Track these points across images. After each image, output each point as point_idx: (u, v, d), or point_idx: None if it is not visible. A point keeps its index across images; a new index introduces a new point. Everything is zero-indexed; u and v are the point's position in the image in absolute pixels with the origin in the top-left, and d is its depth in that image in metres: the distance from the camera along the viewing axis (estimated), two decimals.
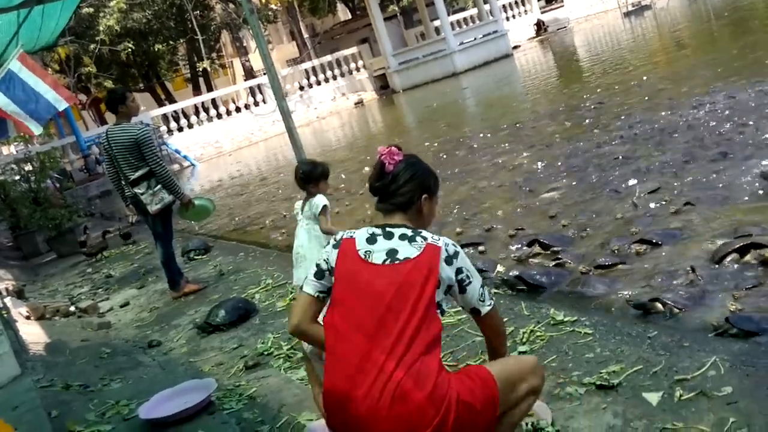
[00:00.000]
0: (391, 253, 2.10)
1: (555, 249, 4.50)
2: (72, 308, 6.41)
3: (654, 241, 4.13)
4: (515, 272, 4.18)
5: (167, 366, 4.41)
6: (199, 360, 4.37)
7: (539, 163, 7.26)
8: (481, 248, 5.03)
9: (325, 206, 3.76)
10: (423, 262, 2.07)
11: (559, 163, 6.98)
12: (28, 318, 6.04)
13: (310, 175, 3.74)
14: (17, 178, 10.78)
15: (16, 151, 25.38)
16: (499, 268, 4.48)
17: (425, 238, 2.12)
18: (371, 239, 2.17)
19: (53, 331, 5.58)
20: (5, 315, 5.56)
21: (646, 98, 8.90)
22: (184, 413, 3.07)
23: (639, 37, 18.72)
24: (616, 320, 3.26)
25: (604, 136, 7.50)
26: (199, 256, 7.35)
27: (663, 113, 7.63)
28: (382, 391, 1.97)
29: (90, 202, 16.48)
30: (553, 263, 4.32)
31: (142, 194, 5.63)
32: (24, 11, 7.17)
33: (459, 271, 2.11)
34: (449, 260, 2.10)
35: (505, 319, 3.55)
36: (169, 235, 5.99)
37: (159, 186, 5.64)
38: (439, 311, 2.08)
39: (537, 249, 4.60)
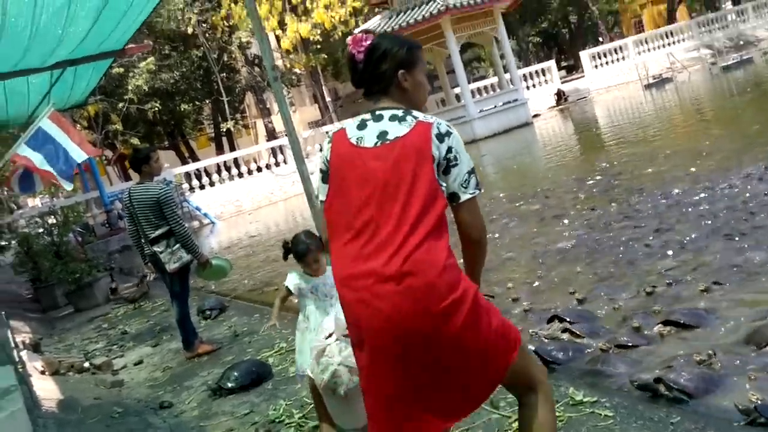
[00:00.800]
0: (382, 134, 2.05)
1: (573, 324, 4.43)
2: (86, 364, 6.40)
3: (681, 321, 4.01)
4: (531, 347, 4.12)
5: (177, 429, 4.37)
6: (210, 425, 4.31)
7: (557, 235, 7.24)
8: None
9: (287, 287, 3.68)
10: (414, 138, 2.01)
11: (578, 236, 6.95)
12: (42, 373, 6.04)
13: (288, 252, 3.65)
14: (41, 231, 10.95)
15: (41, 203, 25.89)
16: None
17: (416, 117, 2.07)
18: (361, 125, 2.12)
19: (66, 388, 5.57)
20: (21, 370, 5.57)
21: (666, 172, 8.90)
22: None
23: (660, 110, 18.83)
24: (638, 403, 3.16)
25: (624, 209, 7.48)
26: (214, 317, 7.34)
27: (683, 188, 7.61)
28: (387, 272, 1.92)
29: (110, 256, 16.59)
30: (572, 339, 4.25)
31: (161, 252, 5.70)
32: (57, 71, 7.47)
33: (449, 150, 2.03)
34: (440, 137, 2.03)
35: None
36: (186, 294, 6.03)
37: (178, 245, 5.72)
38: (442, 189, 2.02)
39: (555, 324, 4.54)
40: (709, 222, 6.08)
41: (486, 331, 1.99)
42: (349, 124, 2.14)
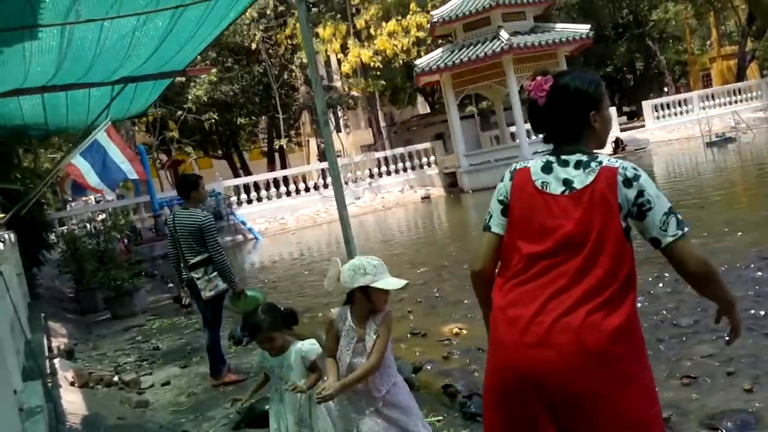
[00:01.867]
0: (568, 183, 1.99)
1: None
2: (115, 378, 6.48)
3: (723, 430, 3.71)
4: None
5: None
6: None
7: None
8: None
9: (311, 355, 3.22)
10: (600, 187, 1.94)
11: None
12: (72, 384, 6.12)
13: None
14: (87, 236, 11.23)
15: (95, 200, 26.67)
16: None
17: (600, 162, 1.98)
18: (546, 168, 2.04)
19: (93, 403, 5.62)
20: (50, 381, 5.66)
21: (719, 242, 8.49)
22: None
23: (721, 171, 18.17)
24: None
25: (664, 279, 7.08)
26: (245, 344, 7.34)
27: (737, 263, 7.17)
28: (556, 327, 1.90)
29: (154, 261, 16.95)
30: None
31: (198, 279, 5.78)
32: (118, 86, 7.68)
33: (639, 194, 1.94)
34: (628, 183, 1.95)
35: None
36: (218, 322, 6.08)
37: (215, 273, 5.79)
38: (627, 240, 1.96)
39: None
40: (756, 306, 5.71)
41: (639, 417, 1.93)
42: (534, 165, 2.08)
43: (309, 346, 3.21)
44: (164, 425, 5.21)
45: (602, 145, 2.12)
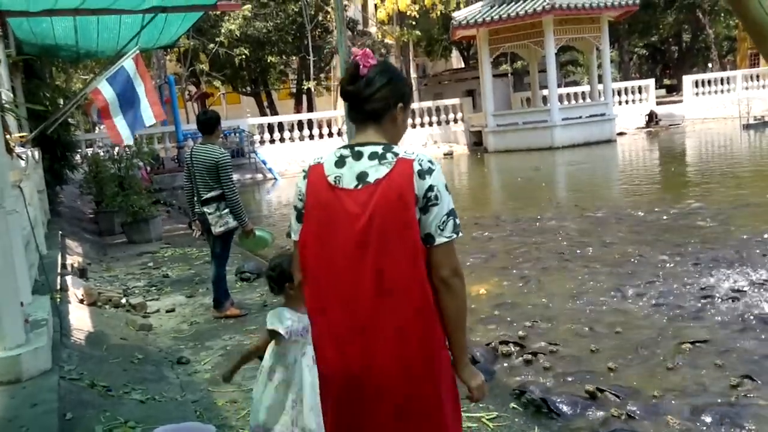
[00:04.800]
0: (362, 176, 1.92)
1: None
2: (123, 300, 6.70)
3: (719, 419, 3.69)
4: (537, 392, 4.05)
5: (187, 388, 4.53)
6: (217, 391, 4.45)
7: (601, 285, 6.97)
8: (526, 357, 4.79)
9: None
10: (395, 180, 1.89)
11: (625, 289, 6.46)
12: (81, 301, 6.34)
13: (281, 279, 2.87)
14: (110, 161, 11.42)
15: None
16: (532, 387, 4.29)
17: (396, 154, 1.93)
18: (340, 162, 1.97)
19: (99, 321, 5.84)
20: (60, 297, 5.89)
21: (739, 230, 8.24)
22: None
23: (756, 156, 17.68)
24: None
25: (683, 264, 6.96)
26: (251, 281, 7.52)
27: (756, 258, 6.88)
28: (352, 333, 1.93)
29: (173, 191, 17.21)
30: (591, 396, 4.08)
31: (210, 214, 5.92)
32: (149, 15, 7.72)
33: (430, 188, 1.89)
34: (422, 174, 1.90)
35: None
36: (225, 257, 6.25)
37: (227, 210, 5.93)
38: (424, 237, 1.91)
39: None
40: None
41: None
42: (327, 160, 2.02)
43: None
44: (164, 349, 5.42)
45: (396, 142, 2.04)
